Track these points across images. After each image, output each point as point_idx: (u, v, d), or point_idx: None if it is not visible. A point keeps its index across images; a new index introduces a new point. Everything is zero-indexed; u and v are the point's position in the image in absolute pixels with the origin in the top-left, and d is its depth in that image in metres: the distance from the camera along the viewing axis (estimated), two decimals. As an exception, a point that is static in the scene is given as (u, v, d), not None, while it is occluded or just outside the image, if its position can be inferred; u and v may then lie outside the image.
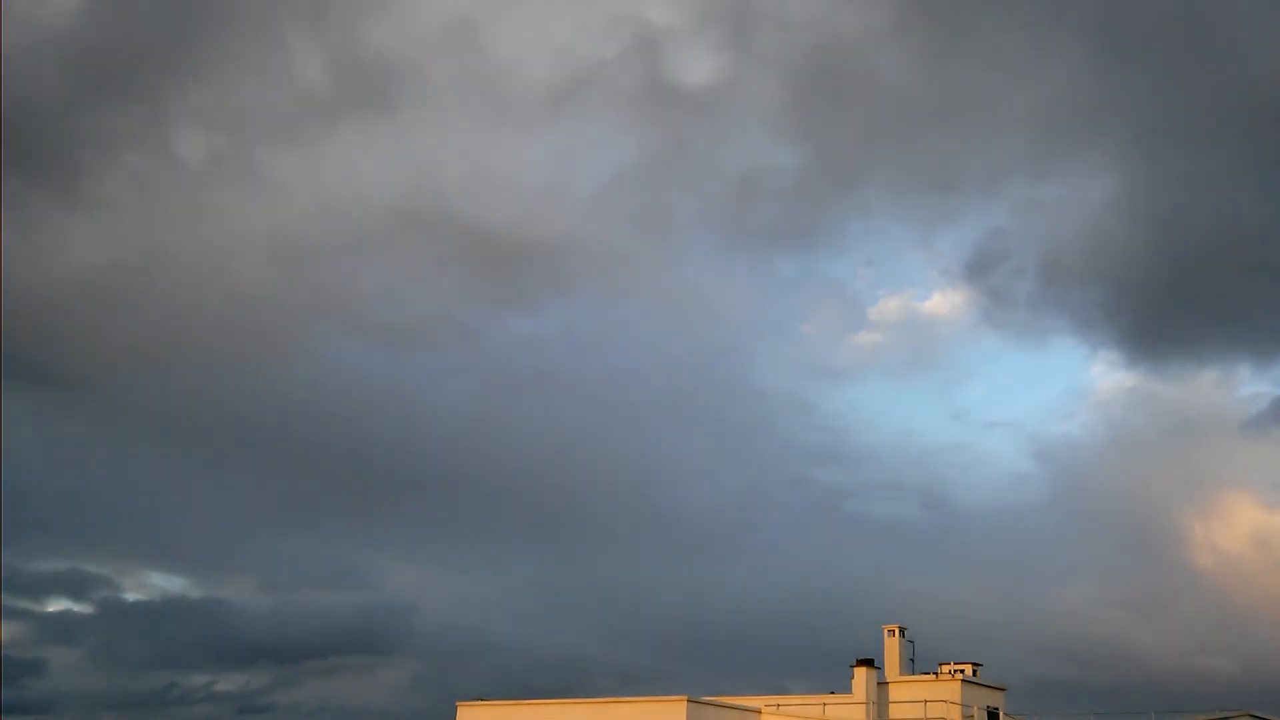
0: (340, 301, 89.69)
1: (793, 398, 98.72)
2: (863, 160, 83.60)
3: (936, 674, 50.05)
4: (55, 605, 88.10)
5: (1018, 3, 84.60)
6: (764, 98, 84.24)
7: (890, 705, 48.92)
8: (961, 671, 50.14)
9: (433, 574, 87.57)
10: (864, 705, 48.03)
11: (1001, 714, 51.05)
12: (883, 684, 49.54)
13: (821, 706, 48.68)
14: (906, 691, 48.92)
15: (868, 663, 49.16)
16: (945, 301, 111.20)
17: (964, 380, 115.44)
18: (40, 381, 79.88)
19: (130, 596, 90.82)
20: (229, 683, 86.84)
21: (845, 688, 49.45)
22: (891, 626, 52.39)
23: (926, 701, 47.45)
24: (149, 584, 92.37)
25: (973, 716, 48.36)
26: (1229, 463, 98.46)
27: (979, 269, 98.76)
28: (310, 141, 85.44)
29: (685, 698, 42.16)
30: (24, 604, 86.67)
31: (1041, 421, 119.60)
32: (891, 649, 51.81)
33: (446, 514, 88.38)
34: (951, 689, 48.07)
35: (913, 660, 51.92)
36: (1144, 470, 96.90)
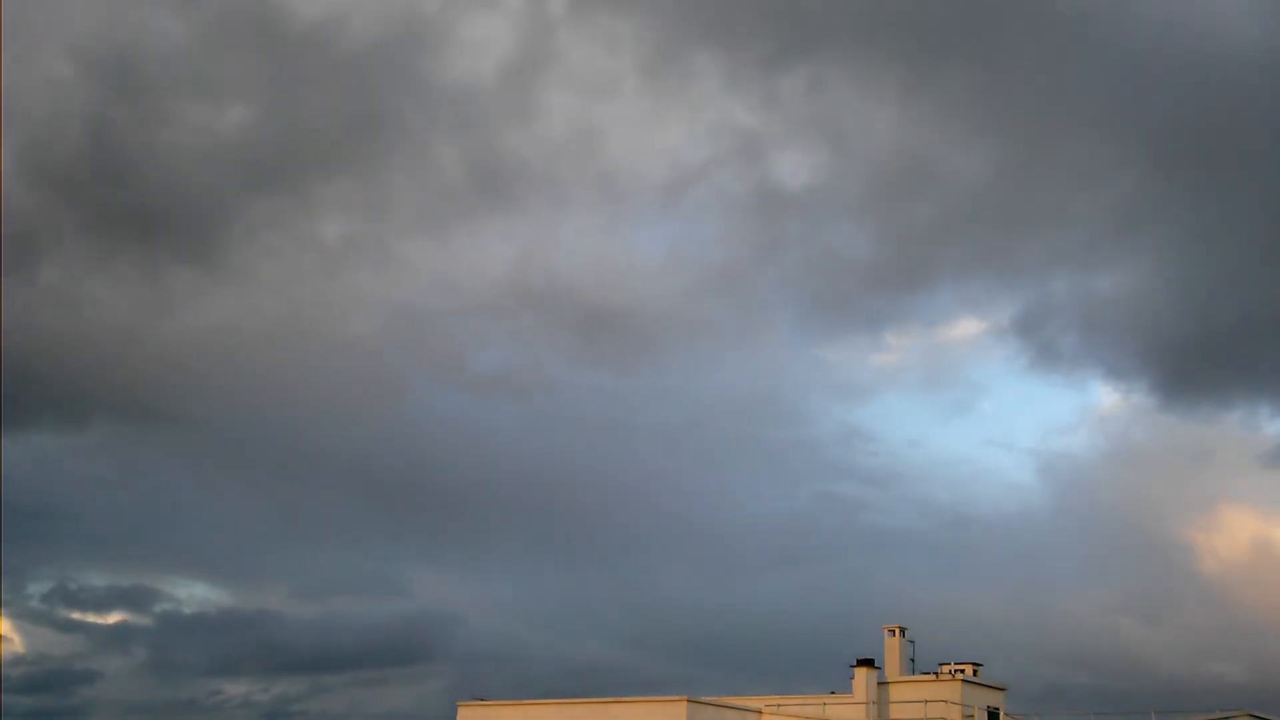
0: (444, 356, 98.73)
1: (820, 416, 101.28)
2: (932, 249, 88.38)
3: (937, 674, 50.04)
4: (114, 617, 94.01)
5: (1077, 120, 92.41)
6: (848, 193, 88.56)
7: (890, 705, 48.94)
8: (961, 671, 50.14)
9: (476, 587, 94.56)
10: (864, 705, 48.07)
11: (1001, 714, 51.07)
12: (883, 684, 49.56)
13: (822, 706, 48.71)
14: (907, 692, 48.94)
15: (868, 663, 49.19)
16: (969, 328, 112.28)
17: (978, 399, 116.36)
18: (149, 419, 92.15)
19: (187, 609, 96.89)
20: (265, 690, 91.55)
21: (846, 688, 49.50)
22: (892, 626, 52.43)
23: (927, 701, 47.46)
24: (205, 598, 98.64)
25: (973, 716, 48.37)
26: (1238, 480, 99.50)
27: (1026, 325, 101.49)
28: (442, 227, 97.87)
29: (685, 698, 42.20)
30: (88, 617, 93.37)
31: (1050, 438, 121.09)
32: (892, 649, 51.80)
33: (496, 535, 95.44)
34: (952, 689, 48.07)
35: (913, 660, 51.96)
36: (1153, 485, 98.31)
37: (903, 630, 52.26)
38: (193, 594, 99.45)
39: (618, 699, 44.39)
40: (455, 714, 47.52)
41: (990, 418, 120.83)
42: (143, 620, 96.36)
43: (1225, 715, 47.68)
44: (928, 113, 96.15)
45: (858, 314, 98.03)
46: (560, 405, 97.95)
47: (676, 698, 42.45)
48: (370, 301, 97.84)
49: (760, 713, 46.95)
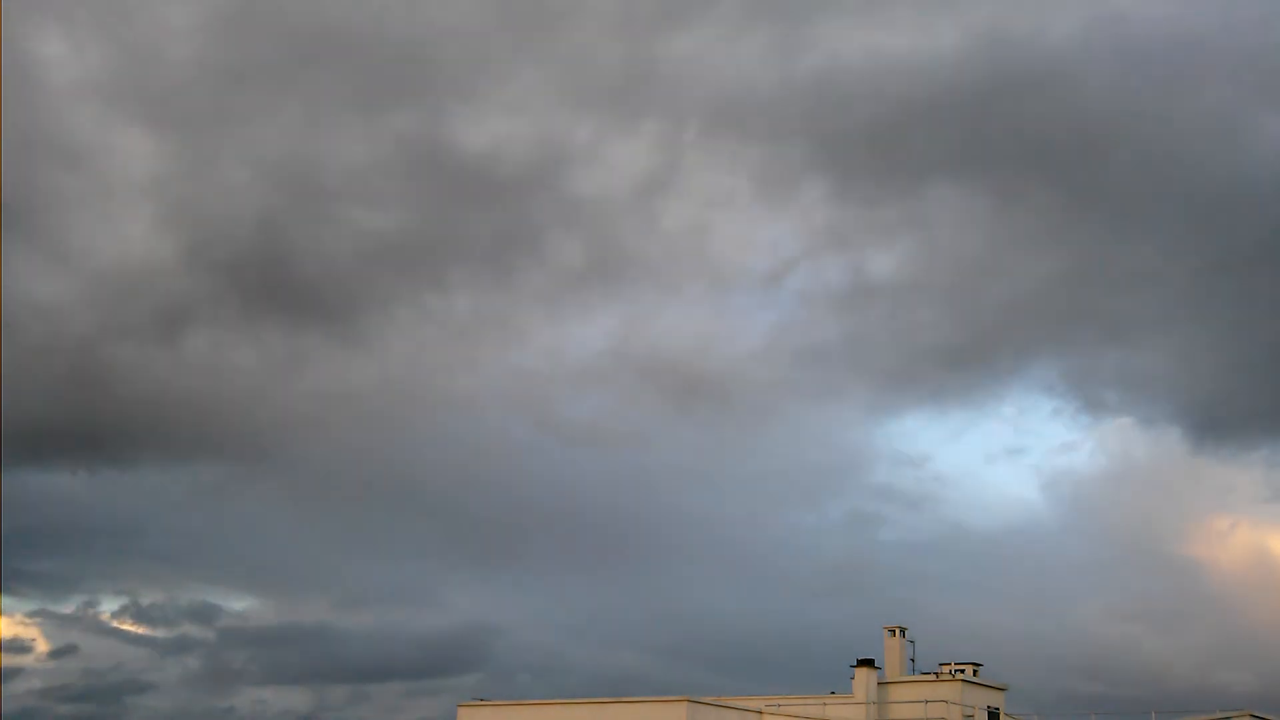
0: (541, 411, 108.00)
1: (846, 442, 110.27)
2: (999, 333, 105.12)
3: (937, 674, 50.03)
4: (177, 631, 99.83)
5: (1134, 226, 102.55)
6: (929, 285, 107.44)
7: (890, 705, 48.91)
8: (961, 671, 50.13)
9: (515, 601, 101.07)
10: (864, 706, 48.06)
11: (1001, 714, 51.07)
12: (883, 684, 49.53)
13: (822, 706, 48.69)
14: (907, 692, 48.91)
15: (868, 663, 49.17)
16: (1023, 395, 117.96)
17: (989, 415, 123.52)
18: (255, 461, 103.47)
19: (245, 623, 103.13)
20: (311, 698, 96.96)
21: (846, 688, 49.48)
22: (892, 626, 52.42)
23: (927, 702, 47.43)
24: (263, 612, 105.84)
25: (973, 717, 48.36)
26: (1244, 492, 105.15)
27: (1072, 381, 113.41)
28: (559, 304, 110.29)
29: (685, 698, 42.08)
30: (154, 631, 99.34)
31: (1055, 454, 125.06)
32: (892, 649, 51.78)
33: (537, 553, 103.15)
34: (951, 689, 48.05)
35: (913, 660, 51.95)
36: (1158, 498, 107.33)
37: (903, 630, 52.26)
38: (254, 608, 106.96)
39: (618, 699, 44.19)
40: (455, 715, 47.46)
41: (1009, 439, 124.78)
42: (204, 633, 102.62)
43: (1226, 715, 47.67)
44: (1006, 219, 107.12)
45: (927, 387, 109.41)
46: (640, 454, 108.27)
47: (676, 698, 42.32)
48: (483, 365, 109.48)
49: (760, 713, 46.88)
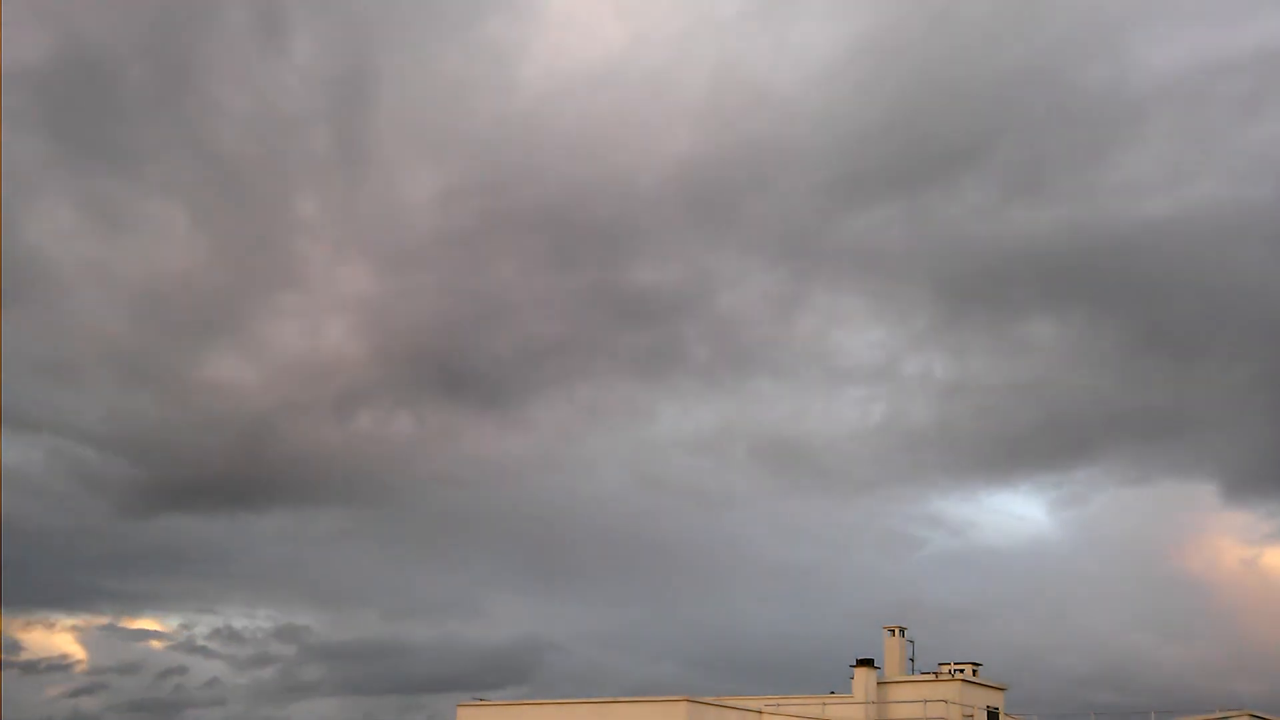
0: (648, 471, 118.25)
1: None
2: (1072, 429, 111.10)
3: (936, 674, 50.07)
4: (259, 648, 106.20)
5: (1197, 355, 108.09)
6: (1016, 384, 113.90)
7: (890, 705, 48.94)
8: (961, 671, 50.17)
9: (568, 616, 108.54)
10: (864, 705, 48.08)
11: (1001, 714, 51.09)
12: (883, 684, 49.55)
13: (821, 706, 48.73)
14: (906, 692, 48.93)
15: (868, 663, 49.19)
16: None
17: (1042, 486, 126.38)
18: (376, 506, 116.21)
19: (333, 639, 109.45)
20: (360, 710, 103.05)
21: (845, 688, 49.51)
22: (891, 626, 52.46)
23: (926, 701, 47.46)
24: (342, 628, 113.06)
25: (972, 716, 48.38)
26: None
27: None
28: (688, 391, 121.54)
29: (685, 698, 42.07)
30: (237, 649, 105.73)
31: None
32: (891, 649, 51.82)
33: (591, 573, 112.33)
34: (951, 689, 48.08)
35: (912, 660, 51.99)
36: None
37: (902, 630, 52.30)
38: (334, 627, 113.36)
39: (618, 699, 44.11)
40: (455, 715, 47.47)
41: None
42: (284, 649, 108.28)
43: (1225, 715, 47.66)
44: (1091, 337, 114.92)
45: (1001, 471, 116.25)
46: (728, 505, 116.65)
47: (676, 698, 42.29)
48: (612, 436, 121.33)
49: (760, 713, 46.90)
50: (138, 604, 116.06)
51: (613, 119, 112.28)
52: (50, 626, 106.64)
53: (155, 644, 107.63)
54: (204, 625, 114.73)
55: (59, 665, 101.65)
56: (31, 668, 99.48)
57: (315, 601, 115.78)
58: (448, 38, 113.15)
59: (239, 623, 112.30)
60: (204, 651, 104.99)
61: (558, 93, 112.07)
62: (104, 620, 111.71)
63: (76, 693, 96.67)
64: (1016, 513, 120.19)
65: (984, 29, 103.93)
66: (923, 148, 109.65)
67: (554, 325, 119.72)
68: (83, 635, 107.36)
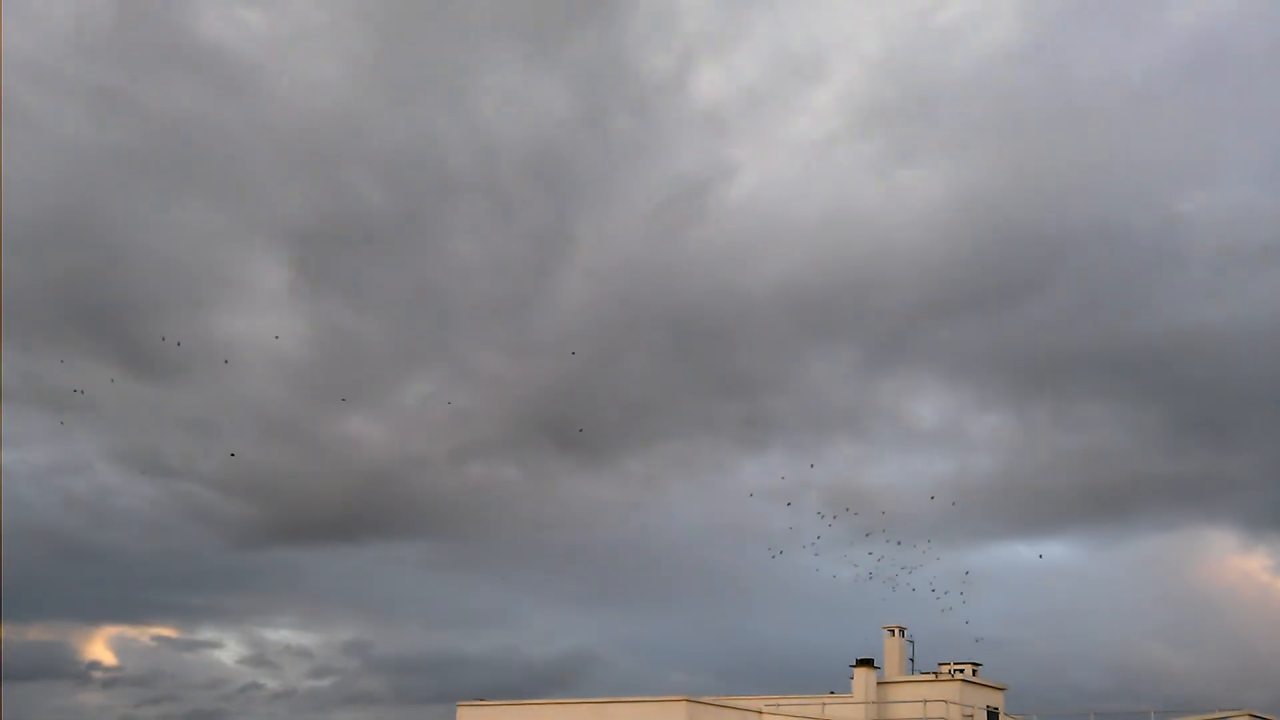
0: (720, 512, 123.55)
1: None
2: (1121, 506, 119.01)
3: (936, 674, 50.10)
4: (329, 661, 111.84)
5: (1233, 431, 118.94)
6: (1062, 454, 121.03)
7: (890, 705, 48.97)
8: (961, 671, 50.19)
9: (612, 630, 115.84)
10: (863, 705, 48.10)
11: (1001, 714, 51.10)
12: (882, 684, 49.59)
13: (821, 706, 48.75)
14: (906, 692, 48.97)
15: (867, 663, 49.21)
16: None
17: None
18: (470, 541, 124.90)
19: (387, 652, 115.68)
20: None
21: (845, 688, 49.53)
22: (891, 626, 52.51)
23: (926, 701, 47.50)
24: (406, 642, 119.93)
25: (972, 716, 48.39)
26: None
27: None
28: (771, 448, 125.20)
29: (685, 698, 42.10)
30: (298, 662, 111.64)
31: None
32: (891, 649, 51.88)
33: (648, 594, 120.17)
34: (951, 689, 48.10)
35: (912, 660, 52.03)
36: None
37: (902, 630, 52.34)
38: (399, 639, 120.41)
39: (618, 699, 44.06)
40: (455, 715, 47.53)
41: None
42: (349, 662, 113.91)
43: (1225, 715, 47.64)
44: (1135, 417, 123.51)
45: (1048, 524, 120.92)
46: (793, 547, 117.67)
47: (676, 697, 42.31)
48: (693, 485, 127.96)
49: (760, 713, 46.92)
50: (219, 619, 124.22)
51: (738, 243, 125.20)
52: (130, 637, 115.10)
53: (221, 656, 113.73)
54: (278, 641, 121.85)
55: (133, 677, 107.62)
56: (114, 678, 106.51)
57: (381, 619, 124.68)
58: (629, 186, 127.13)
59: (308, 640, 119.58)
60: (271, 666, 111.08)
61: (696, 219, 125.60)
62: (175, 633, 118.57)
63: (157, 700, 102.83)
64: (1056, 554, 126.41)
65: (1053, 182, 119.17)
66: (998, 275, 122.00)
67: (660, 395, 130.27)
68: (153, 647, 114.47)
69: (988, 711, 49.78)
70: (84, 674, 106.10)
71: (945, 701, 47.26)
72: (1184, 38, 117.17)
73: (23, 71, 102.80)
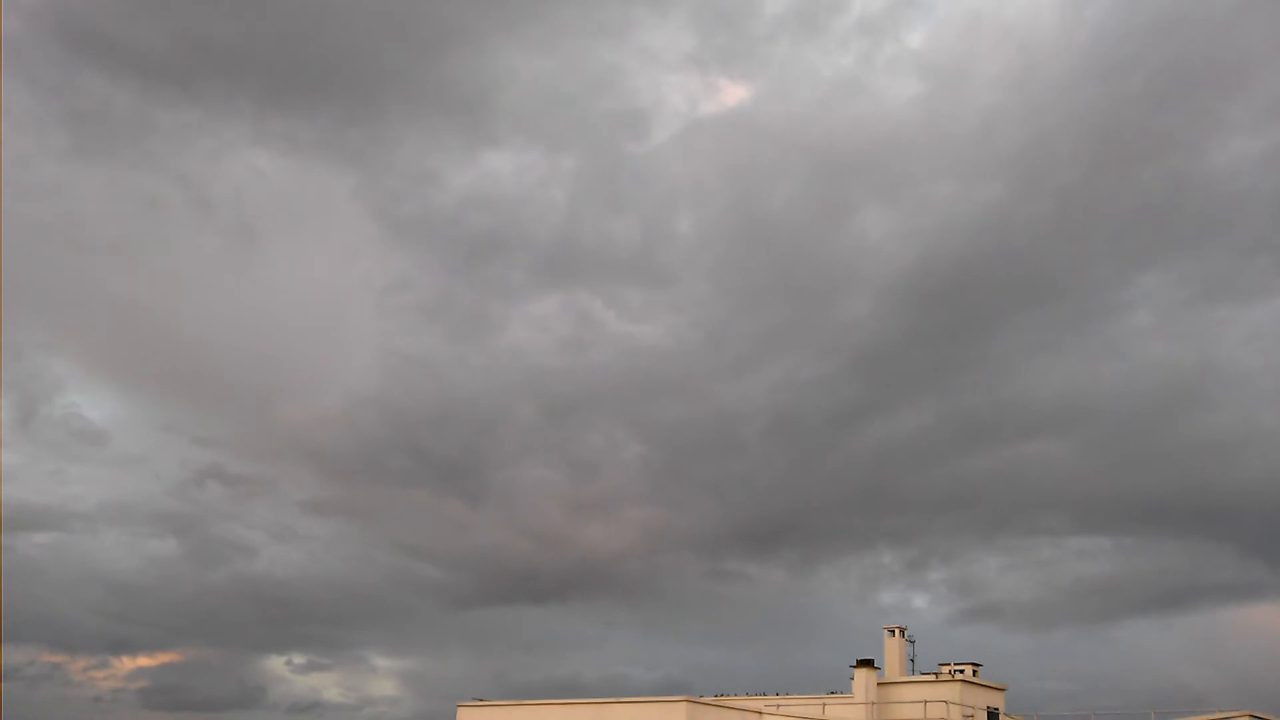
0: (858, 587, 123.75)
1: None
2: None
3: (936, 674, 50.06)
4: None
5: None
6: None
7: (890, 706, 48.93)
8: (961, 672, 50.15)
9: (656, 656, 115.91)
10: (864, 706, 48.05)
11: (1001, 714, 51.06)
12: (883, 684, 49.54)
13: (821, 707, 48.72)
14: (907, 692, 48.93)
15: (868, 663, 49.16)
16: None
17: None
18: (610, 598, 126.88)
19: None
20: None
21: (845, 688, 49.48)
22: (891, 627, 52.47)
23: (926, 702, 47.46)
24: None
25: (972, 717, 48.35)
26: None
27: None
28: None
29: (685, 698, 42.08)
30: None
31: None
32: (892, 649, 51.84)
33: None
34: (951, 689, 48.07)
35: (913, 660, 51.99)
36: None
37: (902, 630, 52.30)
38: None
39: (618, 699, 44.06)
40: (455, 714, 47.48)
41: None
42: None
43: (1225, 715, 47.58)
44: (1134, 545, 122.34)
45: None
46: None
47: (676, 698, 42.29)
48: (838, 567, 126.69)
49: (760, 713, 46.89)
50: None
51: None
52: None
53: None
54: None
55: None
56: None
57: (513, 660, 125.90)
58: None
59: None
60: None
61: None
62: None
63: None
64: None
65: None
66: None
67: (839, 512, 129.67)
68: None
69: (988, 712, 49.74)
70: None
71: (946, 702, 47.23)
72: None
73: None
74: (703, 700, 43.66)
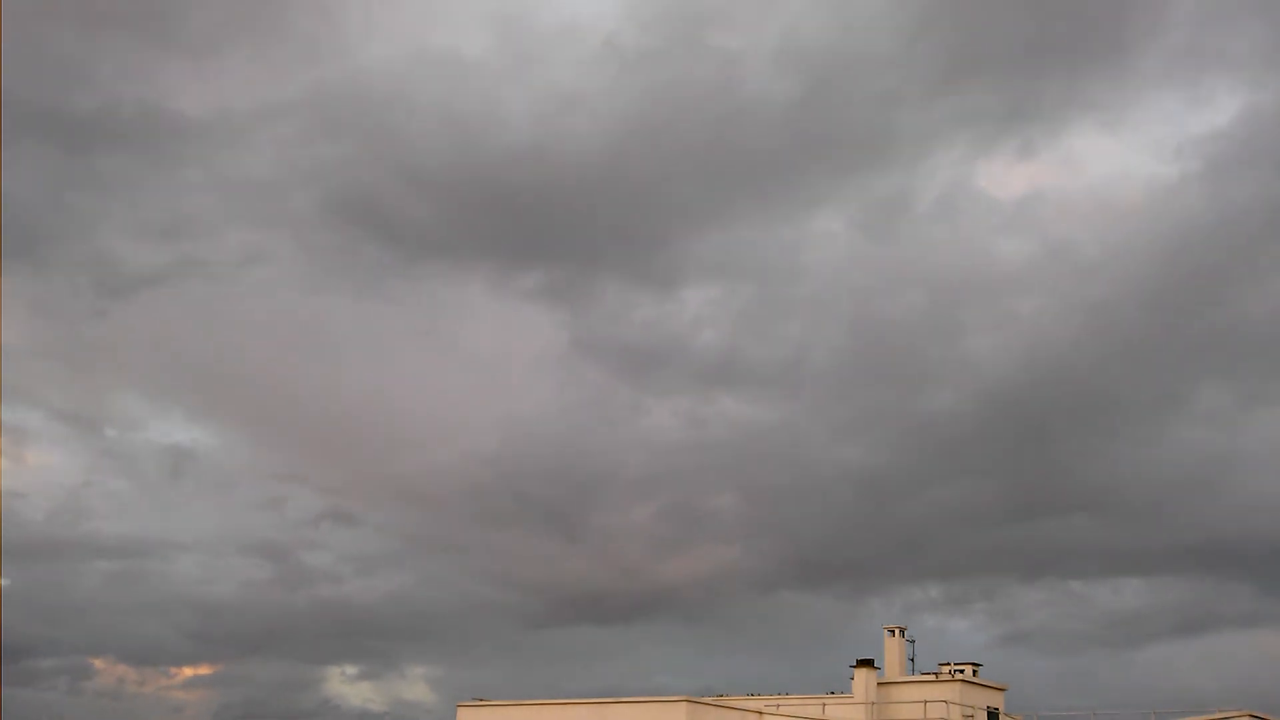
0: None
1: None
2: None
3: (936, 674, 50.05)
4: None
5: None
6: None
7: (890, 706, 48.92)
8: (961, 671, 50.14)
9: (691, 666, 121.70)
10: (864, 706, 48.05)
11: (1001, 714, 51.06)
12: (883, 684, 49.52)
13: (821, 707, 48.71)
14: (906, 692, 48.91)
15: (867, 663, 49.14)
16: None
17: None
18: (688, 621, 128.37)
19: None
20: None
21: (845, 688, 49.47)
22: (891, 626, 52.45)
23: (926, 702, 47.43)
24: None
25: (973, 717, 48.35)
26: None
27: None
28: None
29: (685, 698, 42.01)
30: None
31: None
32: (892, 649, 51.81)
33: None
34: (951, 689, 48.05)
35: (913, 660, 51.97)
36: None
37: (902, 630, 52.29)
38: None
39: (617, 699, 43.90)
40: (455, 714, 47.43)
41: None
42: None
43: (1225, 715, 47.59)
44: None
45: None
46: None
47: (676, 698, 42.21)
48: (883, 602, 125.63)
49: (760, 713, 46.84)
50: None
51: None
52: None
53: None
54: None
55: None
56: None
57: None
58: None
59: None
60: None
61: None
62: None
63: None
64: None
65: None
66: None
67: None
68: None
69: (988, 712, 49.74)
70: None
71: (946, 702, 47.21)
72: None
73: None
74: (703, 700, 43.62)
